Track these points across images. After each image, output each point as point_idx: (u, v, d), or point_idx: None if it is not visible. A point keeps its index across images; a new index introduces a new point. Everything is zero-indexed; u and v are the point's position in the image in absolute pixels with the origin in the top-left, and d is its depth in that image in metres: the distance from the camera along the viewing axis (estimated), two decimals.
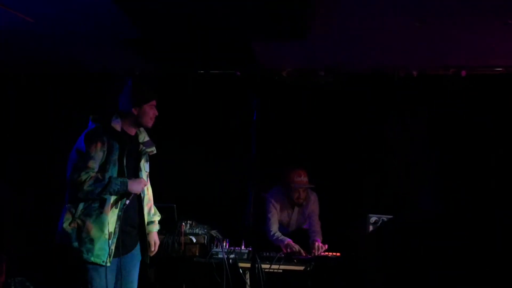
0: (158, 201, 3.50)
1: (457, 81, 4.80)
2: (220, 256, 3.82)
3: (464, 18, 3.70)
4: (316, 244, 4.09)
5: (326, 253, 4.06)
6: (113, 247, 2.99)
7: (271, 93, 4.93)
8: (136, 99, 3.15)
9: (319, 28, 3.97)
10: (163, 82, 5.22)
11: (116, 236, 3.01)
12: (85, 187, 2.91)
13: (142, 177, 3.21)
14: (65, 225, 2.96)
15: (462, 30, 3.92)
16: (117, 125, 3.13)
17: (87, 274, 2.96)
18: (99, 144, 2.99)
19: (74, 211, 2.97)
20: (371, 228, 3.75)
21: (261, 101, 2.77)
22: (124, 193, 3.01)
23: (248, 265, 3.67)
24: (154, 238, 3.38)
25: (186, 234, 3.94)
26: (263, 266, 3.71)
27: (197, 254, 3.92)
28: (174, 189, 4.67)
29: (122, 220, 3.04)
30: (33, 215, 5.19)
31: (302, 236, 4.37)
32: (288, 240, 4.16)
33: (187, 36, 4.26)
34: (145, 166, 3.30)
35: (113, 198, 3.01)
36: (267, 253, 3.98)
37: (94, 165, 2.97)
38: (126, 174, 3.06)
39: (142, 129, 3.29)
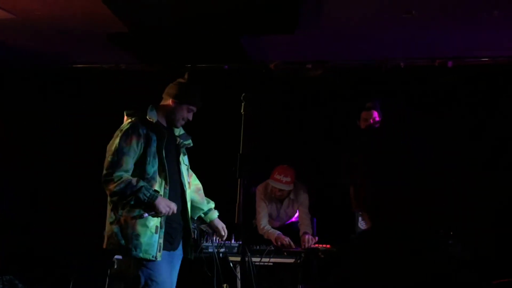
0: None
1: (443, 72, 4.83)
2: (210, 250, 3.80)
3: (451, 10, 3.72)
4: (306, 236, 4.10)
5: (316, 245, 4.08)
6: (161, 241, 2.87)
7: (259, 86, 4.92)
8: (181, 94, 3.05)
9: (307, 21, 3.97)
10: (149, 76, 5.18)
11: (163, 229, 2.90)
12: (116, 189, 2.78)
13: (181, 171, 3.07)
14: (110, 225, 2.87)
15: (449, 22, 3.95)
16: (153, 117, 2.98)
17: (141, 271, 2.85)
18: (134, 139, 2.85)
19: (117, 209, 2.86)
20: (360, 220, 3.77)
21: (249, 94, 2.75)
22: (149, 205, 2.82)
23: (239, 258, 3.66)
24: (220, 223, 3.32)
25: None
26: (254, 259, 3.71)
27: (219, 241, 3.87)
28: None
29: (171, 216, 2.93)
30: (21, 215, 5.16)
31: (293, 229, 4.38)
32: (278, 233, 4.16)
33: (174, 30, 4.23)
34: (184, 160, 3.17)
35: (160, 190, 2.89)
36: (257, 247, 3.98)
37: (129, 162, 2.83)
38: (166, 167, 2.91)
39: None
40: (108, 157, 2.85)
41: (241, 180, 2.65)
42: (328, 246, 4.05)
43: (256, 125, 4.35)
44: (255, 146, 4.06)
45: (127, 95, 5.27)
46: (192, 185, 3.34)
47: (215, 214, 3.36)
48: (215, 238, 3.88)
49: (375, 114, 4.31)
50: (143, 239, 2.83)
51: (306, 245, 4.04)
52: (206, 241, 3.88)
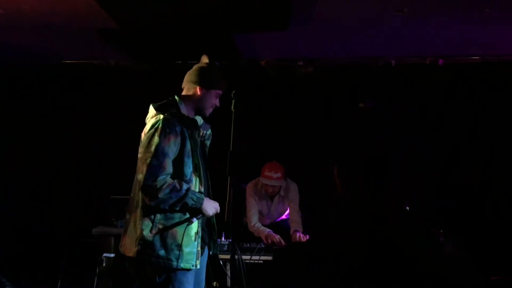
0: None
1: (434, 70, 4.84)
2: None
3: (442, 7, 3.72)
4: (298, 234, 4.09)
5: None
6: (199, 248, 2.70)
7: (251, 84, 4.90)
8: (207, 80, 2.77)
9: (299, 18, 3.96)
10: (140, 73, 5.15)
11: (200, 236, 2.71)
12: (160, 195, 2.53)
13: (207, 167, 2.82)
14: (145, 233, 2.58)
15: (440, 19, 3.95)
16: (184, 111, 2.73)
17: (174, 282, 2.62)
18: (172, 138, 2.58)
19: (153, 216, 2.60)
20: None
21: (239, 91, 2.73)
22: (194, 210, 2.65)
23: (229, 256, 3.64)
24: None
25: None
26: (244, 257, 3.70)
27: None
28: None
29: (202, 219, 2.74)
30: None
31: (284, 227, 4.37)
32: (268, 231, 4.15)
33: (164, 27, 4.20)
34: (206, 152, 2.90)
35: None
36: (248, 244, 3.97)
37: (170, 164, 2.57)
38: (200, 166, 2.70)
39: None
40: (148, 160, 2.55)
41: (231, 178, 2.63)
42: None
43: (247, 123, 4.37)
44: (246, 143, 4.07)
45: (117, 92, 5.26)
46: None
47: None
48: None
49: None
50: (185, 249, 2.63)
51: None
52: None
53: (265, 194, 4.42)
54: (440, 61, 4.84)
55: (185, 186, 2.60)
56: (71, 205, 5.15)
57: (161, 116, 2.62)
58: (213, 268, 3.53)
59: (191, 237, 2.67)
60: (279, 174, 4.31)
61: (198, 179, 2.71)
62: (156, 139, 2.56)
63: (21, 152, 5.27)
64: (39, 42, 4.63)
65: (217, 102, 2.82)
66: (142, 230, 2.60)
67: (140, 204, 2.63)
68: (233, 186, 2.66)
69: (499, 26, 4.03)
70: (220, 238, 3.88)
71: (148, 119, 2.71)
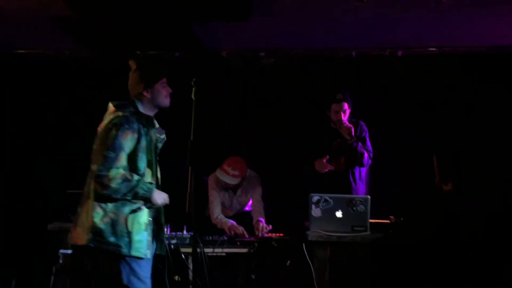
0: None
1: (393, 61, 4.90)
2: None
3: None
4: (260, 225, 4.07)
5: (270, 234, 4.05)
6: (149, 238, 2.81)
7: (212, 74, 4.84)
8: (146, 80, 2.89)
9: (260, 8, 3.92)
10: (96, 64, 5.00)
11: (151, 226, 2.84)
12: (113, 184, 2.68)
13: (158, 165, 2.96)
14: (96, 220, 2.71)
15: (399, 10, 3.99)
16: (141, 109, 2.88)
17: (125, 269, 2.74)
18: (129, 133, 2.74)
19: (105, 205, 2.74)
20: (313, 207, 3.76)
21: (199, 79, 2.67)
22: (147, 199, 2.80)
23: (191, 250, 3.59)
24: None
25: None
26: (206, 250, 3.65)
27: None
28: None
29: (157, 212, 2.89)
30: None
31: (246, 219, 4.34)
32: (231, 222, 4.11)
33: (123, 15, 4.08)
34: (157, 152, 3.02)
35: None
36: (210, 237, 3.92)
37: (125, 158, 2.74)
38: (152, 161, 2.85)
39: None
40: (104, 152, 2.70)
41: (192, 168, 2.57)
42: (281, 234, 4.04)
43: (209, 113, 4.31)
44: (207, 134, 4.02)
45: (73, 83, 5.09)
46: None
47: None
48: (166, 230, 3.79)
49: (346, 106, 4.34)
50: (135, 237, 2.74)
51: (260, 234, 4.02)
52: None
53: (225, 186, 4.37)
54: (399, 53, 4.90)
55: (136, 177, 2.74)
56: (25, 199, 4.97)
57: (120, 114, 2.78)
58: (175, 262, 3.46)
59: (141, 225, 2.78)
60: (236, 172, 4.25)
61: (150, 173, 2.85)
62: (114, 133, 2.70)
63: None
64: None
65: (167, 89, 2.93)
66: (93, 218, 2.72)
67: (91, 194, 2.76)
68: (194, 177, 2.61)
69: (457, 16, 4.10)
70: (182, 231, 3.82)
71: (106, 115, 2.85)
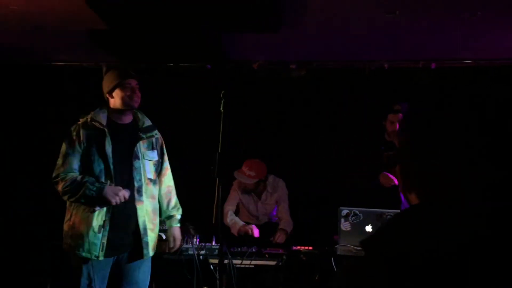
0: None
1: (427, 73, 4.82)
2: (190, 252, 3.73)
3: (434, 10, 3.70)
4: (278, 234, 4.13)
5: (298, 247, 4.02)
6: (104, 241, 2.91)
7: (242, 86, 4.86)
8: (107, 87, 3.09)
9: (291, 21, 3.93)
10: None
11: (107, 229, 2.92)
12: (62, 188, 2.90)
13: (135, 167, 3.03)
14: (64, 224, 3.00)
15: (432, 22, 3.93)
16: (100, 117, 3.05)
17: (80, 269, 2.92)
18: (76, 140, 2.96)
19: (71, 208, 2.98)
20: (342, 221, 3.72)
21: (229, 92, 2.69)
22: (101, 199, 2.89)
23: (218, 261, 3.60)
24: (174, 234, 3.29)
25: None
26: (235, 261, 3.65)
27: (166, 251, 3.83)
28: None
29: (116, 214, 2.95)
30: None
31: (275, 229, 4.34)
32: (243, 223, 4.17)
33: (155, 28, 4.16)
34: (146, 154, 3.12)
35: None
36: (238, 248, 3.92)
37: (73, 162, 2.95)
38: (111, 167, 2.96)
39: (142, 115, 3.21)
40: (57, 160, 2.99)
41: (219, 180, 2.58)
42: (310, 248, 4.01)
43: (238, 125, 4.33)
44: (235, 145, 4.04)
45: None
46: (164, 185, 3.29)
47: (173, 222, 3.33)
48: (195, 240, 3.81)
49: (401, 117, 4.30)
50: (86, 239, 2.89)
51: (274, 241, 4.07)
52: (187, 243, 3.81)
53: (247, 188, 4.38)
54: (433, 65, 4.82)
55: (86, 179, 2.89)
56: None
57: (77, 123, 3.04)
58: (203, 273, 3.48)
59: (93, 228, 2.90)
60: (253, 173, 4.26)
61: (109, 180, 2.95)
62: (63, 143, 2.99)
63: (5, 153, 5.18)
64: (28, 43, 4.58)
65: (129, 92, 3.05)
66: (64, 222, 2.99)
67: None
68: (222, 188, 2.62)
69: (491, 29, 4.02)
70: (211, 242, 3.83)
71: None
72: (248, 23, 4.08)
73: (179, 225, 3.35)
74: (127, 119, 3.13)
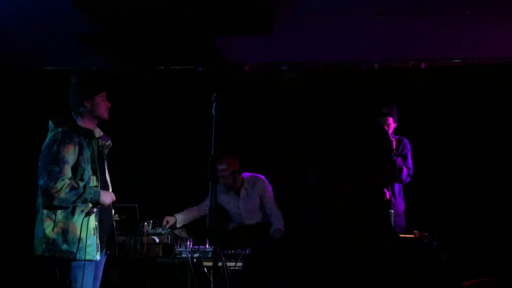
0: (119, 201, 3.40)
1: (416, 73, 4.84)
2: (184, 255, 3.73)
3: (423, 10, 3.73)
4: (274, 235, 4.10)
5: None
6: (98, 241, 3.07)
7: (234, 88, 4.86)
8: (86, 92, 3.14)
9: (282, 22, 3.94)
10: (122, 78, 5.08)
11: (98, 230, 3.09)
12: (61, 195, 2.92)
13: (107, 170, 3.26)
14: (48, 231, 2.97)
15: (422, 22, 3.96)
16: (80, 123, 3.13)
17: (77, 273, 2.97)
18: (71, 147, 2.99)
19: (54, 216, 2.98)
20: None
21: (220, 95, 2.69)
22: (97, 202, 3.07)
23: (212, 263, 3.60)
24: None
25: (148, 234, 3.83)
26: (228, 264, 3.65)
27: (160, 254, 3.83)
28: (135, 188, 4.55)
29: (102, 216, 3.13)
30: None
31: (253, 231, 4.35)
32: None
33: (148, 31, 4.15)
34: (105, 163, 3.29)
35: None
36: (232, 251, 3.91)
37: (69, 170, 2.99)
38: (98, 171, 3.10)
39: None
40: (48, 166, 2.94)
41: (212, 183, 2.59)
42: None
43: (230, 127, 4.32)
44: (228, 148, 4.04)
45: None
46: None
47: None
48: (189, 243, 3.81)
49: (390, 120, 4.27)
50: (87, 242, 2.99)
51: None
52: (180, 246, 3.81)
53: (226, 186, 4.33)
54: (423, 65, 4.84)
55: (81, 184, 2.98)
56: None
57: (60, 130, 3.02)
58: (197, 276, 3.47)
59: (90, 230, 3.02)
60: (224, 166, 4.21)
61: (95, 179, 3.09)
62: (56, 148, 2.95)
63: None
64: (17, 48, 4.56)
65: (107, 103, 3.19)
66: (44, 230, 2.96)
67: (40, 207, 3.01)
68: (214, 191, 2.62)
69: (480, 28, 4.05)
70: (205, 245, 3.83)
71: (49, 133, 3.09)
72: (241, 25, 4.08)
73: None
74: (92, 127, 3.22)
